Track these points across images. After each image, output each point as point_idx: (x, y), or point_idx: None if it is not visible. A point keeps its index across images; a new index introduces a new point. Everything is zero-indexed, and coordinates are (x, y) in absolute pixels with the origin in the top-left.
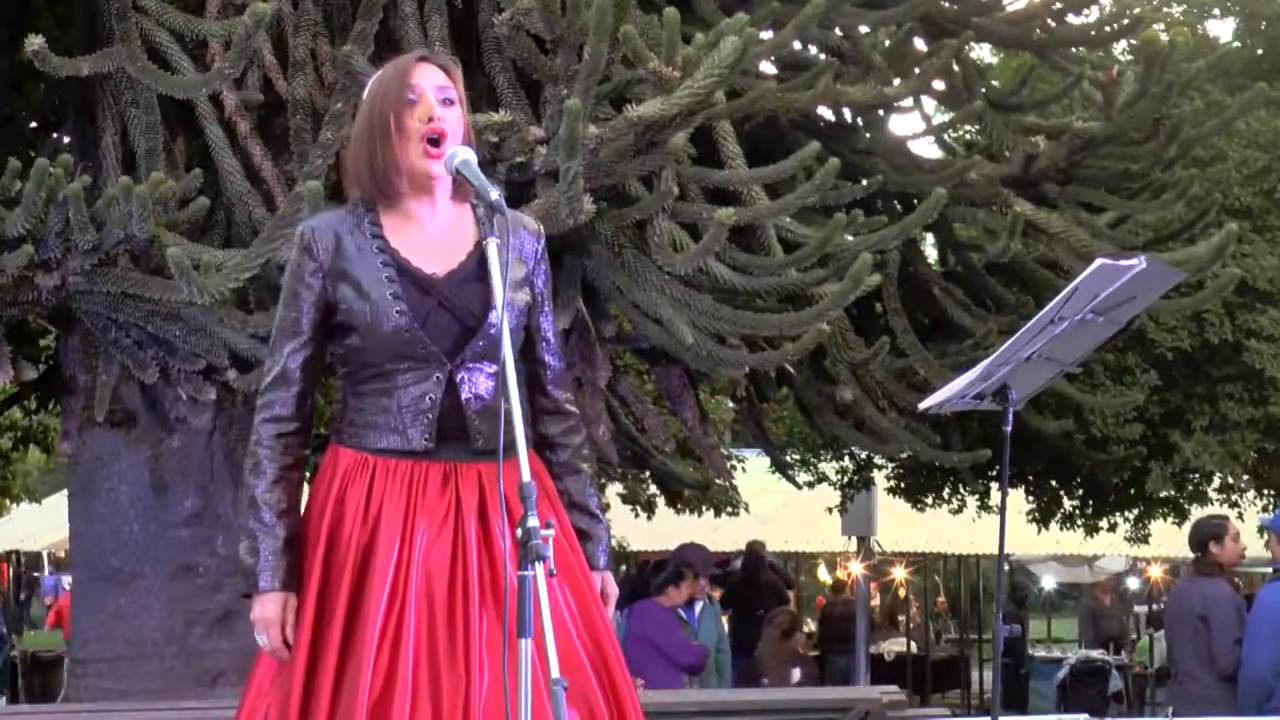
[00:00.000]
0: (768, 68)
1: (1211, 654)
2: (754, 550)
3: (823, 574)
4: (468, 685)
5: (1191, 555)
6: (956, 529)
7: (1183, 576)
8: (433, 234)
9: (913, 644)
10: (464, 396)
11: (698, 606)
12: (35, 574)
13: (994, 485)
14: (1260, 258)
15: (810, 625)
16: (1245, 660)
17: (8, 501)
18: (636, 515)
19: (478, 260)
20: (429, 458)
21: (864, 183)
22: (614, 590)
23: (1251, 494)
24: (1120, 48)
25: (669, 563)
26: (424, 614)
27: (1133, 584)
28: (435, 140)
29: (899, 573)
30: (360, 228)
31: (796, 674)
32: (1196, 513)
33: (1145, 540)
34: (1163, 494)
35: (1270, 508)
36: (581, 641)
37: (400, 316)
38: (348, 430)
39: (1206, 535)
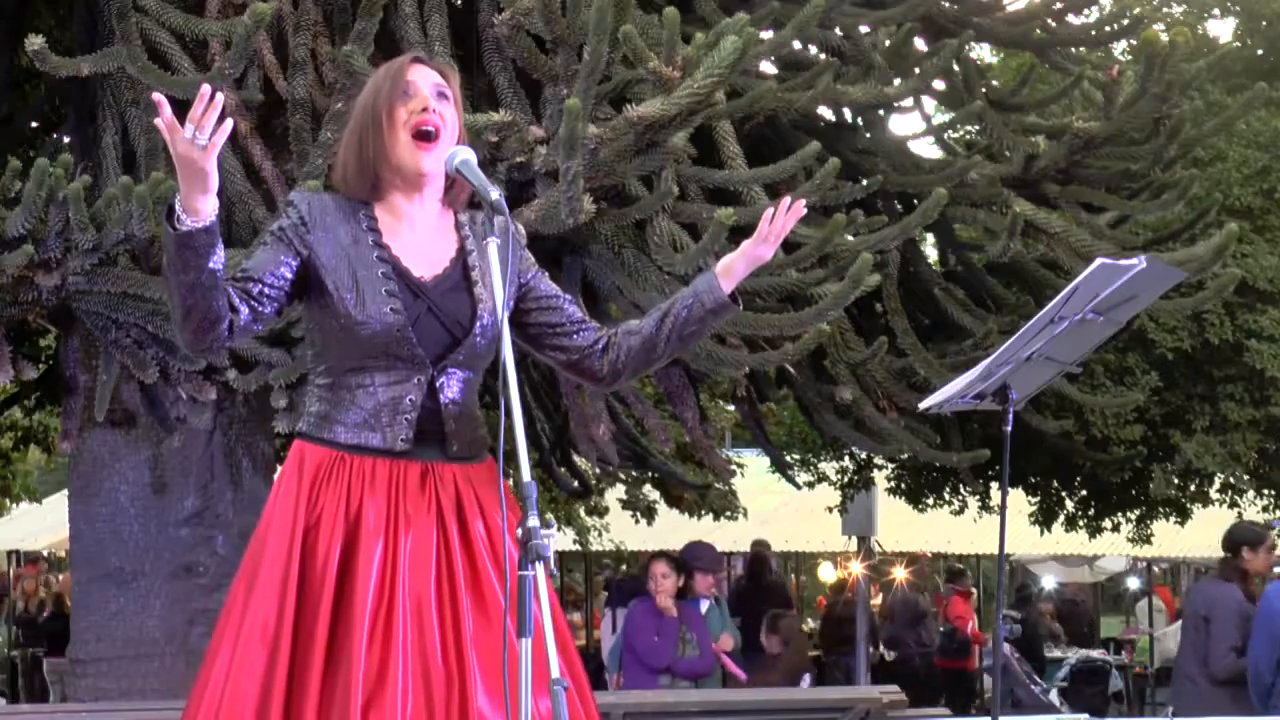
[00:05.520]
0: (768, 68)
1: (1206, 656)
2: (759, 552)
3: (825, 574)
4: (462, 686)
5: (1193, 555)
6: (957, 529)
7: (1208, 576)
8: (421, 236)
9: None
10: (443, 400)
11: (703, 606)
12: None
13: (994, 485)
14: (1260, 258)
15: (810, 625)
16: (1248, 656)
17: (8, 501)
18: (637, 521)
19: (461, 268)
20: (406, 457)
21: (864, 183)
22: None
23: (1252, 494)
24: (1120, 48)
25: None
26: (413, 613)
27: (1133, 584)
28: (427, 134)
29: (899, 573)
30: (356, 217)
31: (806, 680)
32: (1199, 513)
33: (1148, 540)
34: (1164, 494)
35: (1271, 508)
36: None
37: (395, 315)
38: (317, 422)
39: (1243, 540)
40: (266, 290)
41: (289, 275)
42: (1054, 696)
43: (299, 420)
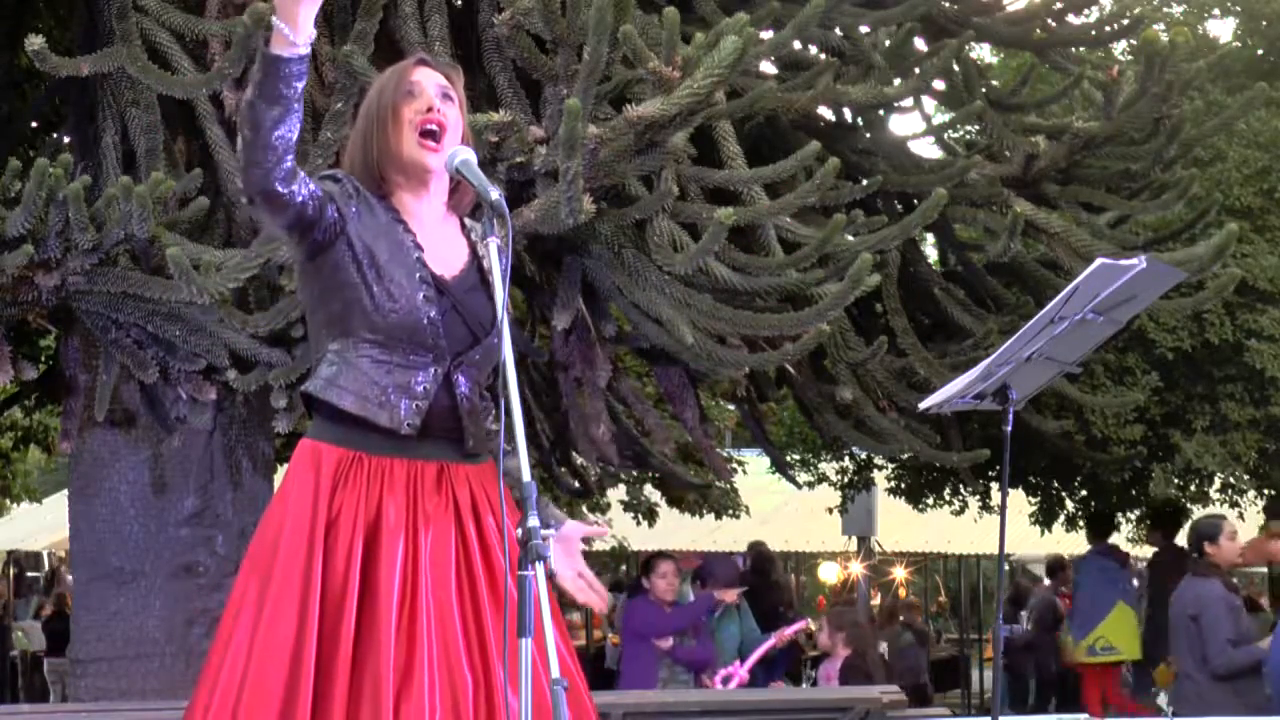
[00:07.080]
0: (768, 68)
1: (1204, 654)
2: (764, 551)
3: (825, 574)
4: (488, 684)
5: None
6: (957, 529)
7: (1187, 576)
8: (432, 235)
9: None
10: (458, 395)
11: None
12: (31, 574)
13: (994, 485)
14: (1260, 258)
15: (812, 625)
16: (1271, 664)
17: (8, 501)
18: (639, 523)
19: (476, 269)
20: (423, 456)
21: (864, 183)
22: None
23: (1252, 494)
24: (1120, 48)
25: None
26: (437, 612)
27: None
28: (432, 133)
29: (899, 572)
30: (382, 205)
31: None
32: (1199, 513)
33: (1148, 540)
34: (1165, 494)
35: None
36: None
37: (428, 304)
38: (324, 385)
39: (1202, 535)
40: (313, 190)
41: (326, 212)
42: (1162, 700)
43: (310, 383)
